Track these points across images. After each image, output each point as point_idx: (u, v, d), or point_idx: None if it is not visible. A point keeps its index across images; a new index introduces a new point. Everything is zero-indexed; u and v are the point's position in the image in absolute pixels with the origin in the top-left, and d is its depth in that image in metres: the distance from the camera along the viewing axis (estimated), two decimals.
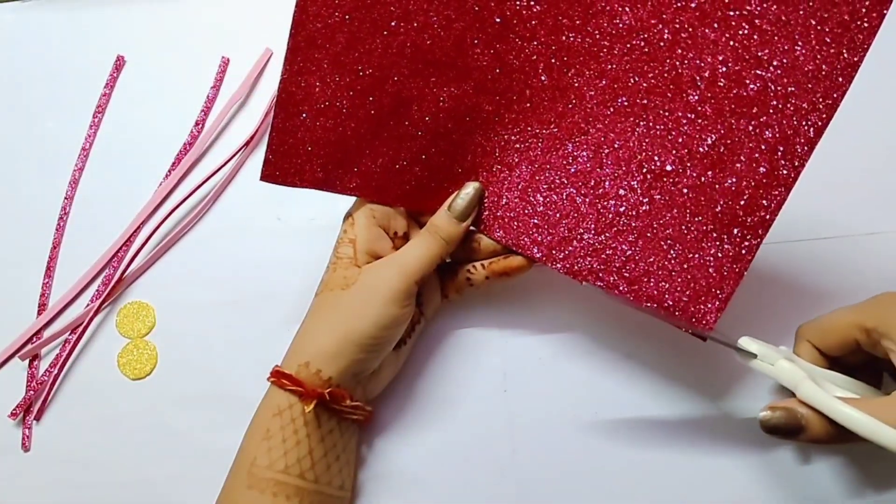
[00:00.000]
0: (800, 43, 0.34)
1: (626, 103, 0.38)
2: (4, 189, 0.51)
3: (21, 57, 0.53)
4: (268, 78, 0.52)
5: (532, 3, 0.39)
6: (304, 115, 0.40)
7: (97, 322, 0.48)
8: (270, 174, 0.41)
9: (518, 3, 0.39)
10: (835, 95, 0.34)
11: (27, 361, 0.48)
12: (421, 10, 0.39)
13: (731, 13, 0.35)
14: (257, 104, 0.52)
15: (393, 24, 0.39)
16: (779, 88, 0.35)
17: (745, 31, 0.35)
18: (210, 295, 0.48)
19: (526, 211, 0.41)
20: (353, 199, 0.43)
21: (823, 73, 0.34)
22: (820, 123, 0.35)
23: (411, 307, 0.40)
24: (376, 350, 0.40)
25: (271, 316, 0.47)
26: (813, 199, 0.47)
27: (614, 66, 0.38)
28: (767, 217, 0.36)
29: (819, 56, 0.34)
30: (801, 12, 0.34)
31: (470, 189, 0.41)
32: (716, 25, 0.36)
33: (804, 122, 0.35)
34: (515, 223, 0.41)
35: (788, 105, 0.35)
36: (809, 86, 0.35)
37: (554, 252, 0.41)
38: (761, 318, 0.45)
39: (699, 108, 0.37)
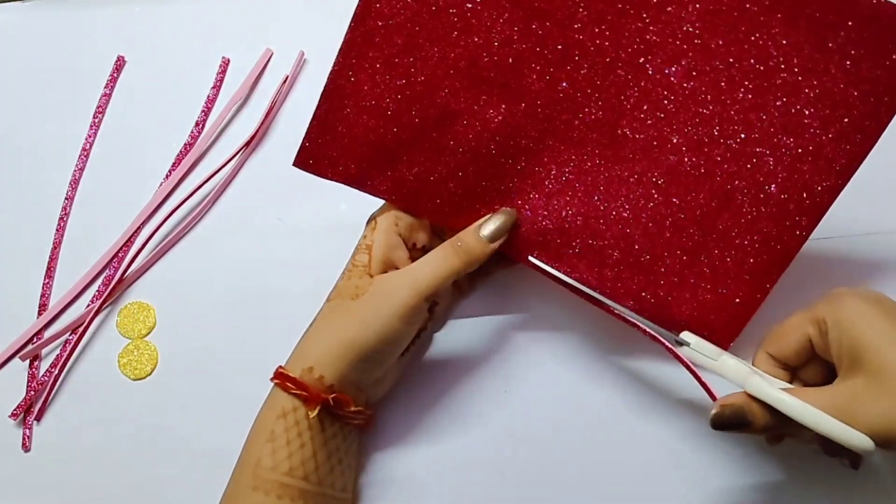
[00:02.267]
0: (840, 110, 0.37)
1: (674, 143, 0.39)
2: (5, 189, 0.51)
3: (21, 57, 0.53)
4: (268, 78, 0.52)
5: (597, 37, 0.39)
6: (347, 109, 0.40)
7: (98, 322, 0.48)
8: (304, 161, 0.41)
9: (582, 34, 0.39)
10: (859, 155, 0.38)
11: (28, 362, 0.48)
12: (484, 27, 0.39)
13: (785, 75, 0.37)
14: (257, 104, 0.52)
15: (454, 34, 0.39)
16: (811, 145, 0.38)
17: (793, 94, 0.37)
18: (210, 295, 0.48)
19: (559, 239, 0.41)
20: (380, 202, 0.43)
21: (852, 134, 0.38)
22: (845, 174, 0.38)
23: (418, 323, 0.40)
24: (379, 361, 0.40)
25: (271, 316, 0.47)
26: None
27: (666, 104, 0.39)
28: (788, 258, 0.40)
29: (851, 126, 0.38)
30: (844, 83, 0.37)
31: (505, 215, 0.40)
32: (770, 80, 0.37)
33: (829, 174, 0.38)
34: (548, 249, 0.41)
35: (821, 156, 0.38)
36: (841, 145, 0.38)
37: (585, 278, 0.41)
38: (759, 317, 0.45)
39: (744, 153, 0.38)
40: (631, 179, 0.40)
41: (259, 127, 0.50)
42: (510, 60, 0.39)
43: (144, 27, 0.53)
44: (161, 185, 0.51)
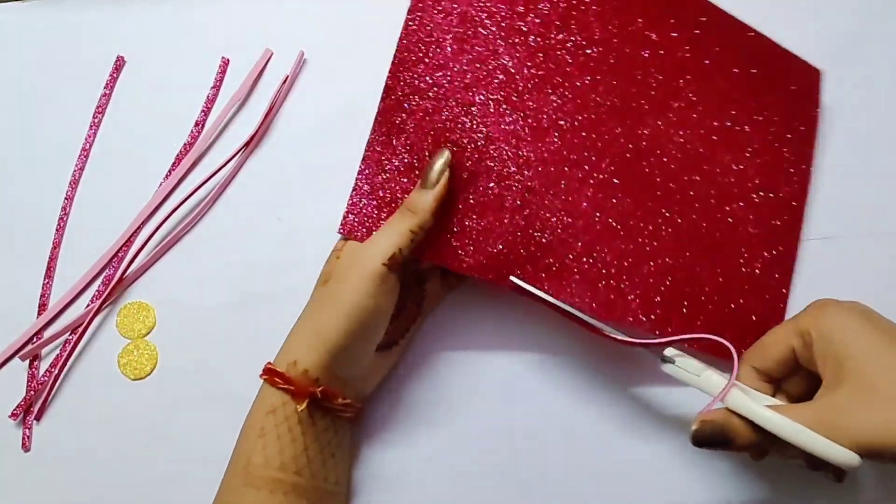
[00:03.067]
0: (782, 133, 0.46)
1: (688, 180, 0.43)
2: (5, 189, 0.51)
3: (21, 57, 0.53)
4: (268, 78, 0.52)
5: (609, 85, 0.43)
6: (385, 174, 0.42)
7: (97, 322, 0.48)
8: (351, 230, 0.42)
9: (595, 86, 0.43)
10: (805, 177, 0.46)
11: (27, 362, 0.48)
12: (498, 87, 0.42)
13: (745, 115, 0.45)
14: (257, 104, 0.52)
15: (481, 97, 0.42)
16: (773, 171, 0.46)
17: (753, 130, 0.45)
18: (210, 295, 0.48)
19: (605, 282, 0.42)
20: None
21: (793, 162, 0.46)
22: (803, 183, 0.46)
23: (387, 295, 0.39)
24: (358, 348, 0.39)
25: (271, 316, 0.47)
26: (812, 200, 0.47)
27: (677, 140, 0.43)
28: (790, 261, 0.45)
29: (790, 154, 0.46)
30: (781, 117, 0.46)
31: (441, 157, 0.40)
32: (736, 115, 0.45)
33: (791, 184, 0.46)
34: (597, 298, 0.42)
35: (783, 180, 0.46)
36: (791, 163, 0.46)
37: (635, 321, 0.43)
38: None
39: (738, 180, 0.44)
40: (658, 219, 0.43)
41: (259, 127, 0.50)
42: (532, 117, 0.42)
43: (144, 27, 0.53)
44: (161, 185, 0.51)
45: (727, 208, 0.44)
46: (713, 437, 0.36)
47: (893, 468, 0.44)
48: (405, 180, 0.42)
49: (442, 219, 0.41)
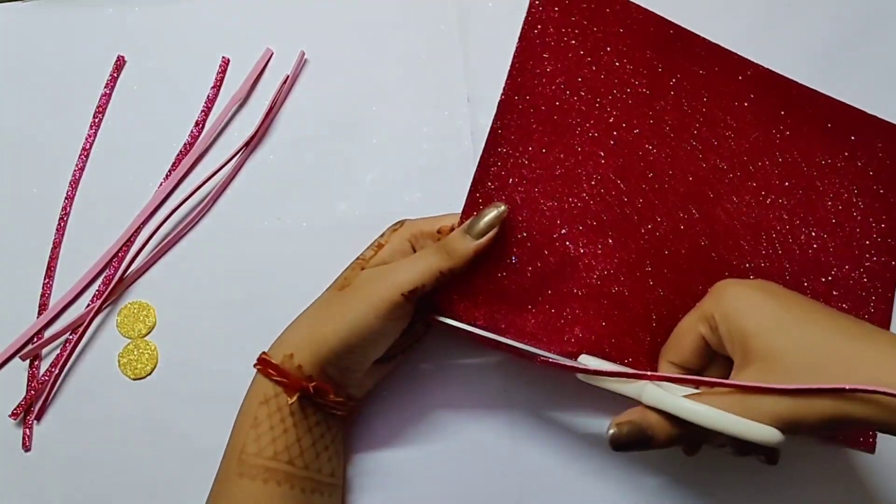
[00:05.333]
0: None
1: (762, 256, 0.43)
2: (4, 189, 0.51)
3: (21, 57, 0.53)
4: (268, 78, 0.52)
5: (683, 173, 0.43)
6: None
7: (98, 322, 0.48)
8: (436, 312, 0.41)
9: (672, 179, 0.43)
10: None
11: (28, 361, 0.48)
12: (589, 173, 0.42)
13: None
14: (257, 104, 0.52)
15: (575, 187, 0.41)
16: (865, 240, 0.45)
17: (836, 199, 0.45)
18: (210, 295, 0.48)
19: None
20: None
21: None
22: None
23: (396, 322, 0.39)
24: (355, 359, 0.39)
25: (271, 316, 0.47)
26: None
27: (749, 222, 0.43)
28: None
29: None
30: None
31: (494, 210, 0.39)
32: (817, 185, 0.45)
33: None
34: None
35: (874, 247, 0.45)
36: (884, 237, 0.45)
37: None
38: None
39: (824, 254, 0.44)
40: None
41: (259, 127, 0.50)
42: (619, 206, 0.42)
43: (144, 27, 0.53)
44: (161, 185, 0.51)
45: (805, 284, 0.43)
46: (631, 437, 0.35)
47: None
48: (493, 268, 0.41)
49: (537, 315, 0.41)
